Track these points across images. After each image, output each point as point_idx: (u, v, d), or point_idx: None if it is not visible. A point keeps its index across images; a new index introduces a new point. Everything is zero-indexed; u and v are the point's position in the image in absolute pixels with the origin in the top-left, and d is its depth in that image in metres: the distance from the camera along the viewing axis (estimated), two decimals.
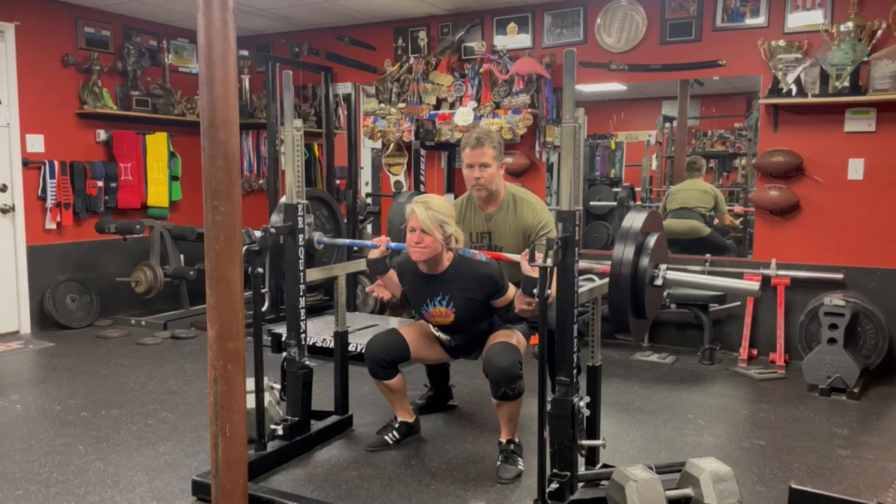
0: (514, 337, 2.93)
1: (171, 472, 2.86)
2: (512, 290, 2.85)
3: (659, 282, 2.46)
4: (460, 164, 3.24)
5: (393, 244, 3.01)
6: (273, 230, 2.90)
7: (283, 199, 3.07)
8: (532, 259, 2.44)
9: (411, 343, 3.06)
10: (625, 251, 2.39)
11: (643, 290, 2.42)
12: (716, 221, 5.25)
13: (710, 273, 4.69)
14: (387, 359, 3.00)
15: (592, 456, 2.69)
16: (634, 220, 2.46)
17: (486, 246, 3.19)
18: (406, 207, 2.88)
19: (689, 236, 5.08)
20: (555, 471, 2.44)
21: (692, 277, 2.77)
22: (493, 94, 5.21)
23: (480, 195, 3.16)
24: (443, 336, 3.11)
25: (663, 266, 2.49)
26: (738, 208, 5.47)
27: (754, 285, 2.67)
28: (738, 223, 5.33)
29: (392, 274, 3.06)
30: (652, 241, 2.46)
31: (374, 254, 3.01)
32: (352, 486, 2.77)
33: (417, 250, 2.80)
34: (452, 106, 5.41)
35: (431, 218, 2.76)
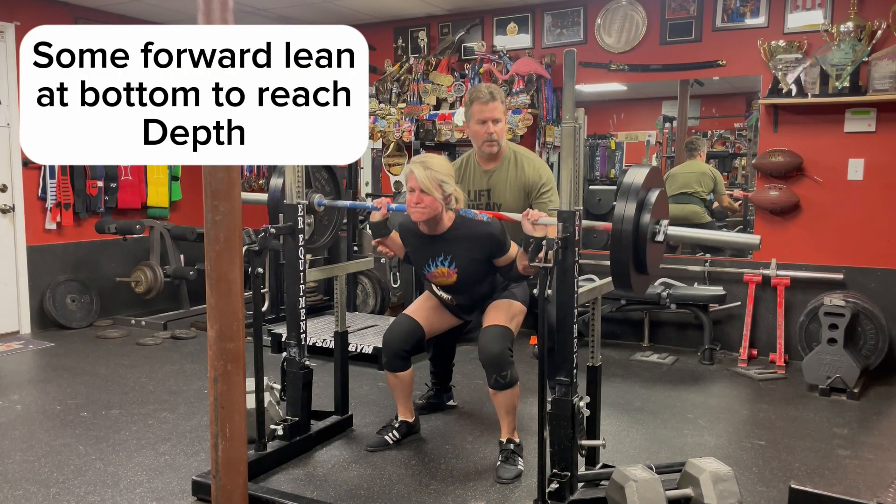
0: (510, 311, 2.95)
1: (171, 472, 2.87)
2: (514, 248, 2.85)
3: (660, 237, 2.45)
4: (465, 122, 3.20)
5: (393, 205, 2.99)
6: (273, 230, 2.90)
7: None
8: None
9: (422, 320, 3.08)
10: (626, 207, 2.37)
11: (645, 246, 2.40)
12: (715, 204, 5.23)
13: (710, 273, 4.72)
14: (406, 348, 3.02)
15: (592, 456, 2.69)
16: (636, 176, 2.43)
17: (485, 204, 3.18)
18: (405, 168, 2.87)
19: (689, 221, 5.05)
20: (555, 471, 2.44)
21: (693, 233, 2.76)
22: None
23: (492, 151, 3.15)
24: (444, 295, 3.11)
25: (664, 222, 2.47)
26: (737, 193, 5.44)
27: (755, 238, 2.60)
28: (738, 206, 5.31)
29: (395, 236, 3.07)
30: (653, 197, 2.44)
31: (375, 216, 3.01)
32: (352, 486, 2.77)
33: (417, 210, 2.79)
34: (452, 106, 5.41)
35: (430, 178, 2.75)
